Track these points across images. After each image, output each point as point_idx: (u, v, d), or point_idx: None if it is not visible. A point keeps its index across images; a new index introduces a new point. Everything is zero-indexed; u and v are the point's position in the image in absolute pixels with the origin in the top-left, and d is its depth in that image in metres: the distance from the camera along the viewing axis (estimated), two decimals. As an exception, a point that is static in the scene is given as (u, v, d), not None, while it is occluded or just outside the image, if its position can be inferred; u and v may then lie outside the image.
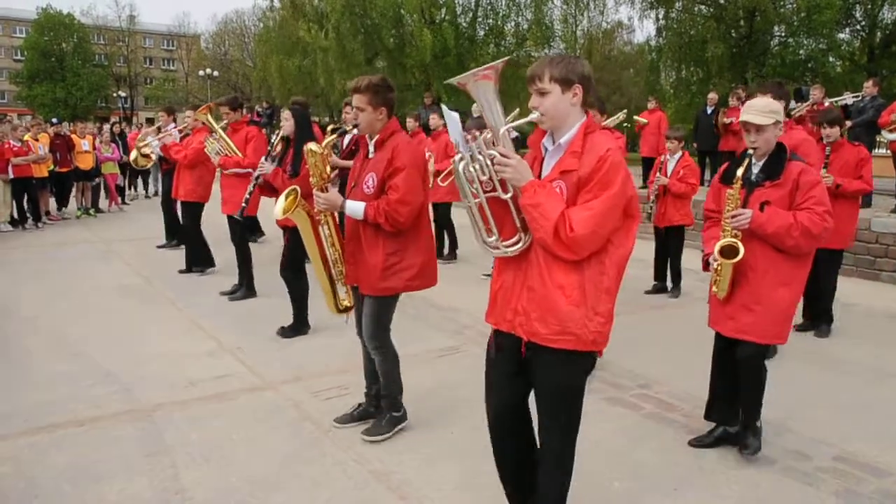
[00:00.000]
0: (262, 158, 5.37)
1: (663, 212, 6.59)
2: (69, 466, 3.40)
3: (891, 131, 8.36)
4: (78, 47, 50.75)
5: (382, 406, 3.74)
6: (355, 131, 3.61)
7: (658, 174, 6.59)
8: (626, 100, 30.22)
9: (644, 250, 8.38)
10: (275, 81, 30.30)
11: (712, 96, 12.41)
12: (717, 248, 3.30)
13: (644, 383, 4.50)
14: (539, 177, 2.34)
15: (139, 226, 11.42)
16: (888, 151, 9.60)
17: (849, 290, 5.70)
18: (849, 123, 8.63)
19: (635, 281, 7.20)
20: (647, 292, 7.00)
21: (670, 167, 6.59)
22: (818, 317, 5.59)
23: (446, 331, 5.68)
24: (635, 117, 12.80)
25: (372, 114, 3.40)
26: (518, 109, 9.74)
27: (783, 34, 23.66)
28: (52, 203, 12.52)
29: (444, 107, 2.49)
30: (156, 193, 14.94)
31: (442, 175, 7.21)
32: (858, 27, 23.08)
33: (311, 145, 3.52)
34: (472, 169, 2.28)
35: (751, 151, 3.32)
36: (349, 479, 3.30)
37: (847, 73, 22.67)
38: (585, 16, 26.80)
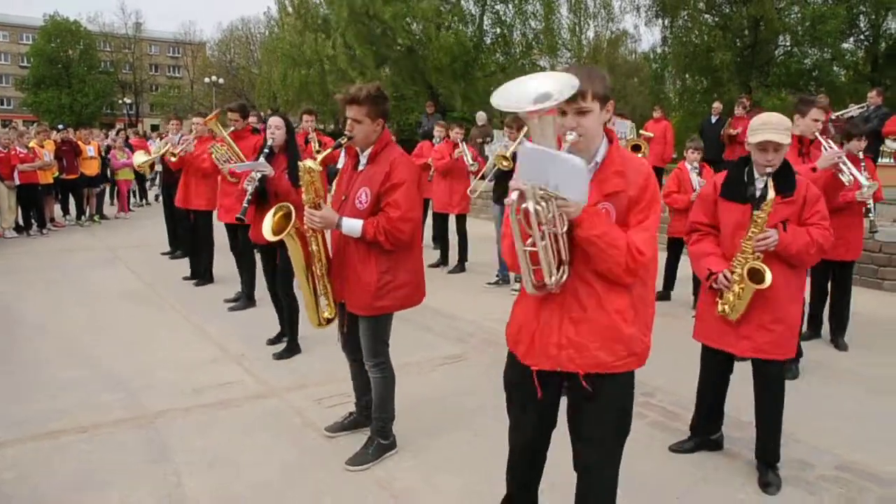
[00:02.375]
0: (261, 160, 5.09)
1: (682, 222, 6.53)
2: (73, 473, 3.41)
3: (894, 141, 8.36)
4: (84, 54, 51.04)
5: (371, 430, 3.61)
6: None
7: (697, 179, 6.51)
8: (630, 108, 30.22)
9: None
10: (279, 90, 30.46)
11: (716, 106, 12.44)
12: (745, 270, 3.19)
13: (648, 391, 4.50)
14: None
15: (143, 232, 11.46)
16: (893, 161, 9.61)
17: (852, 299, 5.68)
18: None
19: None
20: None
21: (693, 178, 6.53)
22: (837, 330, 5.58)
23: (450, 339, 5.69)
24: (641, 131, 12.76)
25: (370, 126, 3.26)
26: (527, 127, 9.73)
27: (788, 44, 23.71)
28: (58, 210, 12.58)
29: (526, 142, 2.00)
30: (156, 198, 15.00)
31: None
32: (862, 37, 23.11)
33: (309, 163, 3.33)
34: (539, 210, 1.99)
35: (769, 171, 3.19)
36: (352, 487, 3.30)
37: (851, 82, 22.71)
38: (591, 25, 26.91)
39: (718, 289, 3.30)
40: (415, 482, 3.36)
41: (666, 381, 4.56)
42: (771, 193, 3.15)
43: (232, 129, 6.52)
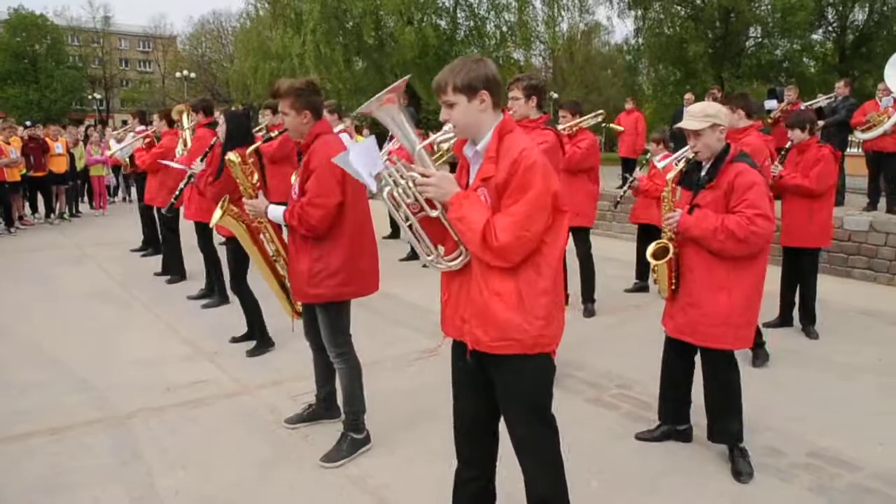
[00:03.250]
0: (198, 159, 5.33)
1: (644, 210, 6.58)
2: (42, 476, 3.35)
3: (863, 131, 8.49)
4: (51, 49, 49.92)
5: (343, 425, 3.62)
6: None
7: (637, 170, 6.55)
8: (603, 99, 30.42)
9: (625, 250, 8.48)
10: (251, 84, 30.11)
11: (688, 97, 12.54)
12: (649, 249, 3.41)
13: (622, 383, 4.53)
14: (467, 185, 2.34)
15: (114, 230, 11.28)
16: (860, 151, 9.76)
17: (822, 287, 5.77)
18: (821, 123, 8.76)
19: (617, 280, 7.26)
20: (628, 290, 7.06)
21: (659, 166, 6.55)
22: (805, 318, 5.67)
23: (425, 332, 5.67)
24: (611, 125, 12.82)
25: (296, 118, 3.36)
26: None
27: (759, 35, 23.98)
28: (27, 207, 12.34)
29: (352, 139, 2.47)
30: (125, 199, 14.81)
31: None
32: (830, 28, 23.45)
33: (230, 155, 3.49)
34: (396, 193, 2.27)
35: (691, 155, 3.38)
36: (326, 484, 3.28)
37: (820, 73, 23.04)
38: (565, 17, 26.91)
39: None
40: (390, 477, 3.35)
41: (640, 371, 4.59)
42: (670, 175, 3.45)
43: (192, 123, 6.54)
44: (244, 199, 3.55)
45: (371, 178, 2.26)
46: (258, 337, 5.18)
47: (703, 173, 3.38)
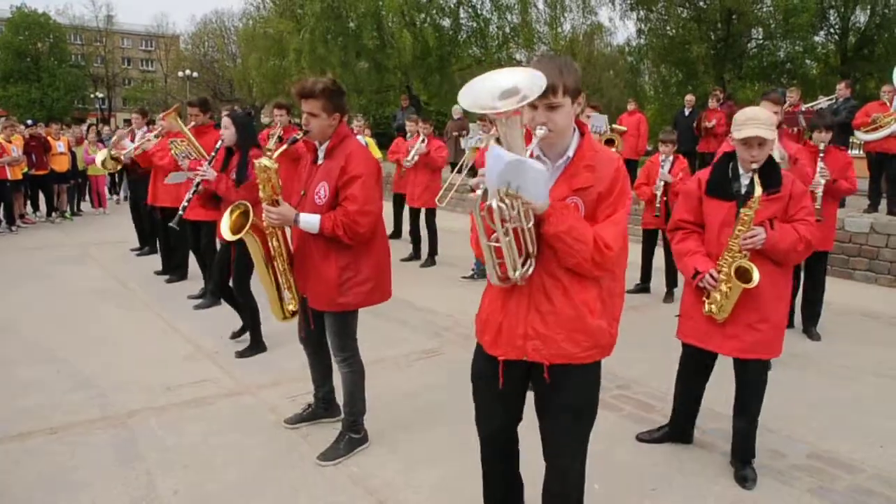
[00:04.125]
0: (205, 164, 5.05)
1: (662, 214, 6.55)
2: (42, 475, 3.35)
3: (867, 132, 8.48)
4: (54, 47, 49.97)
5: (342, 425, 3.62)
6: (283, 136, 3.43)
7: (662, 172, 6.53)
8: (606, 101, 30.35)
9: (631, 252, 8.41)
10: (255, 81, 30.11)
11: (689, 98, 12.54)
12: (732, 269, 3.14)
13: (623, 384, 4.53)
14: None
15: (115, 229, 11.26)
16: (861, 152, 9.76)
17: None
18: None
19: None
20: (629, 291, 7.04)
21: (665, 170, 6.54)
22: (809, 320, 5.66)
23: (426, 333, 5.67)
24: (613, 126, 12.82)
25: (326, 120, 3.22)
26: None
27: (761, 37, 23.97)
28: (28, 206, 12.35)
29: (493, 144, 2.17)
30: (126, 198, 14.80)
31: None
32: (832, 30, 23.43)
33: (264, 161, 3.23)
34: (504, 206, 1.98)
35: (754, 167, 3.12)
36: (327, 484, 3.28)
37: (822, 75, 23.03)
38: (568, 18, 26.90)
39: (704, 288, 3.25)
40: (390, 477, 3.34)
41: (641, 373, 4.59)
42: (758, 190, 3.10)
43: (192, 124, 6.44)
44: (266, 206, 3.27)
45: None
46: (253, 341, 5.14)
47: (744, 182, 3.20)
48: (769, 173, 3.17)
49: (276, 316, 3.70)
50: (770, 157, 3.21)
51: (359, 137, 6.71)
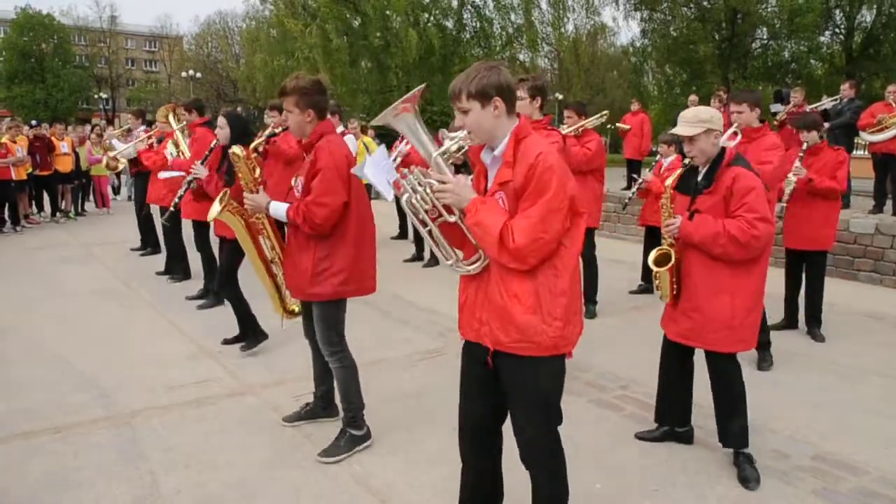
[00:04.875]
0: (198, 163, 5.15)
1: (652, 212, 6.54)
2: (45, 474, 3.36)
3: (872, 133, 8.45)
4: (58, 48, 50.07)
5: (342, 422, 3.65)
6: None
7: (644, 172, 6.52)
8: (609, 101, 30.38)
9: (631, 251, 8.46)
10: (259, 81, 30.10)
11: (693, 98, 12.53)
12: (651, 255, 3.40)
13: (625, 384, 4.52)
14: (485, 190, 2.37)
15: (119, 229, 11.30)
16: (866, 153, 9.72)
17: (827, 290, 5.74)
18: (827, 125, 8.72)
19: (622, 282, 7.25)
20: (632, 292, 7.04)
21: (665, 167, 6.53)
22: (811, 320, 5.64)
23: (430, 333, 5.67)
24: (618, 124, 12.83)
25: (299, 116, 3.36)
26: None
27: (765, 37, 23.93)
28: (33, 206, 12.39)
29: (356, 141, 2.59)
30: (129, 198, 14.84)
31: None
32: (837, 30, 23.38)
33: (235, 148, 3.49)
34: (414, 201, 2.33)
35: (687, 161, 3.39)
36: (330, 483, 3.28)
37: (827, 74, 22.98)
38: (571, 18, 26.92)
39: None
40: (392, 477, 3.34)
41: (643, 373, 4.57)
42: (669, 181, 3.44)
43: (183, 124, 6.49)
44: (244, 194, 3.57)
45: (388, 185, 2.36)
46: (250, 332, 5.17)
47: (699, 178, 3.36)
48: (711, 169, 3.31)
49: (278, 312, 3.79)
50: (720, 153, 3.29)
51: (349, 138, 6.70)
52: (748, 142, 4.55)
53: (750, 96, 4.71)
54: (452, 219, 2.34)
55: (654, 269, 3.38)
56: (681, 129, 3.29)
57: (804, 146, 5.35)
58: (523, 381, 2.38)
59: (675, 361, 3.58)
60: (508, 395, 2.45)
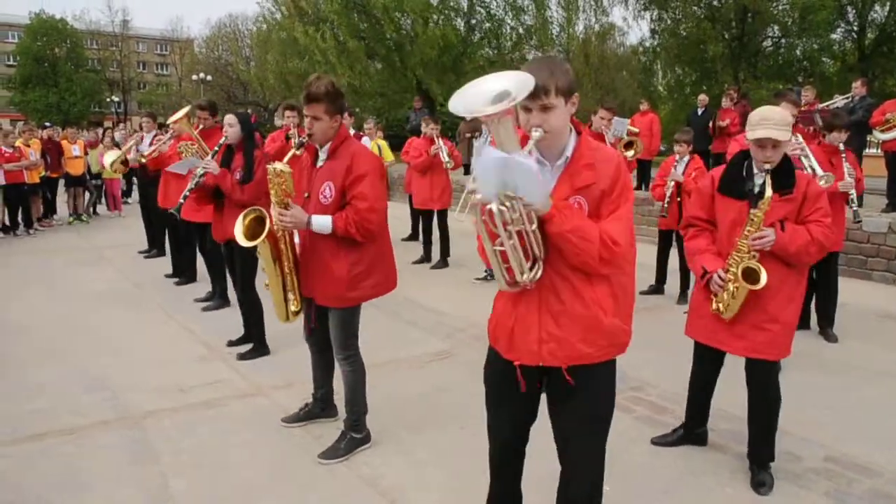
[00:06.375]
0: (209, 157, 5.05)
1: (674, 214, 6.49)
2: (56, 476, 3.38)
3: (883, 131, 8.37)
4: (71, 52, 50.55)
5: (344, 424, 3.65)
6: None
7: (673, 171, 6.47)
8: (619, 101, 30.19)
9: (643, 252, 8.38)
10: (269, 83, 30.21)
11: (702, 98, 12.47)
12: (739, 270, 3.10)
13: (636, 385, 4.49)
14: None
15: (130, 232, 11.34)
16: (879, 151, 9.63)
17: (840, 289, 5.70)
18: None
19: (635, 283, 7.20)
20: (643, 293, 7.00)
21: (679, 170, 6.47)
22: (824, 320, 5.59)
23: (438, 335, 5.66)
24: (629, 128, 12.73)
25: (328, 122, 3.29)
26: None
27: (777, 35, 23.76)
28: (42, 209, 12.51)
29: (483, 147, 2.13)
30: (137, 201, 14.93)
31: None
32: (850, 27, 23.17)
33: (278, 165, 3.24)
34: (505, 210, 1.97)
35: (767, 167, 3.08)
36: (338, 484, 3.28)
37: (840, 72, 22.78)
38: (581, 18, 26.85)
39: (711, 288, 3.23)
40: (401, 478, 3.34)
41: (654, 374, 4.56)
42: (768, 191, 3.05)
43: (201, 127, 6.48)
44: (276, 210, 3.30)
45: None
46: (256, 341, 5.15)
47: (758, 182, 3.15)
48: (783, 173, 3.12)
49: (280, 318, 3.67)
50: (786, 157, 3.16)
51: (365, 140, 6.70)
52: None
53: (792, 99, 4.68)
54: (532, 227, 2.05)
55: (741, 283, 3.09)
56: (775, 133, 3.01)
57: (840, 147, 5.24)
58: (596, 391, 2.29)
59: (711, 372, 3.50)
60: (573, 409, 2.29)
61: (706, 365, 3.52)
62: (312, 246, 3.41)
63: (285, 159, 3.39)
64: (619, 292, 2.24)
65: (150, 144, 8.22)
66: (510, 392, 2.35)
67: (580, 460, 2.34)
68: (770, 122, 3.05)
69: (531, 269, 2.12)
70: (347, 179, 3.27)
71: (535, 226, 2.05)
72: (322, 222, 3.26)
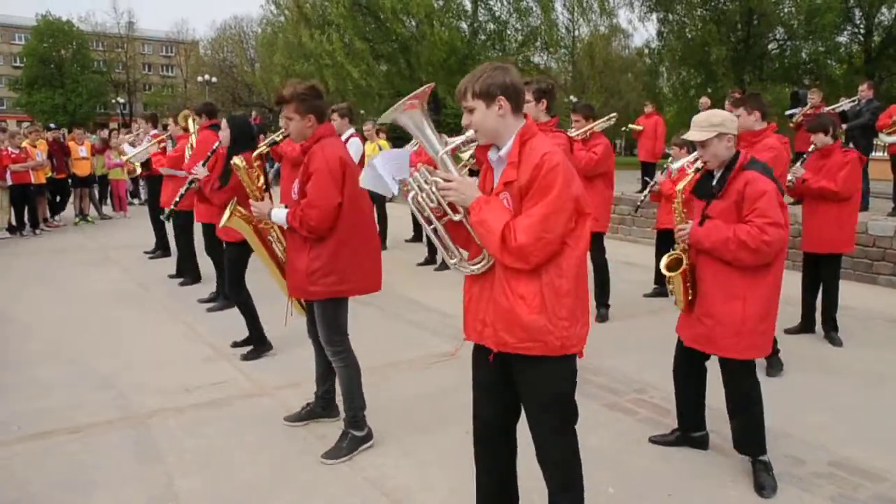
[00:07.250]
0: (200, 164, 5.38)
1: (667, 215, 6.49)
2: (62, 474, 3.39)
3: (889, 134, 8.35)
4: (77, 54, 50.79)
5: (344, 423, 3.67)
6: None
7: (658, 174, 6.49)
8: (624, 103, 30.20)
9: (645, 255, 8.41)
10: (275, 85, 30.27)
11: (704, 101, 12.45)
12: (663, 260, 3.38)
13: (640, 388, 4.49)
14: (491, 189, 2.38)
15: (136, 232, 11.38)
16: (885, 154, 9.60)
17: (846, 293, 5.69)
18: (844, 127, 8.63)
19: (636, 285, 7.21)
20: (647, 295, 7.00)
21: (674, 172, 6.47)
22: (828, 324, 5.57)
23: (444, 336, 5.67)
24: (631, 126, 12.78)
25: (300, 122, 3.44)
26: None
27: (782, 37, 23.72)
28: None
29: (364, 144, 2.59)
30: (144, 202, 15.00)
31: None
32: (856, 29, 23.11)
33: (235, 159, 3.62)
34: (420, 199, 2.36)
35: (699, 165, 3.35)
36: (343, 485, 3.29)
37: (846, 75, 22.72)
38: (586, 20, 26.86)
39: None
40: (406, 479, 3.35)
41: (658, 377, 4.54)
42: (680, 186, 3.42)
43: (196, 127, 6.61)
44: (250, 201, 3.71)
45: (394, 182, 2.35)
46: (255, 341, 5.18)
47: (714, 183, 3.32)
48: (723, 175, 3.28)
49: (298, 312, 3.88)
50: (734, 157, 3.26)
51: (351, 141, 6.70)
52: (748, 146, 4.51)
53: (753, 102, 4.76)
54: (457, 217, 2.36)
55: (667, 273, 3.37)
56: (693, 134, 3.27)
57: (811, 148, 5.36)
58: (535, 381, 2.38)
59: (687, 367, 3.55)
60: (522, 395, 2.45)
61: (679, 357, 3.60)
62: (288, 240, 3.67)
63: (254, 154, 3.77)
64: (548, 292, 2.28)
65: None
66: (485, 370, 2.49)
67: (539, 447, 2.48)
68: (694, 124, 3.28)
69: (479, 258, 2.39)
70: (304, 177, 3.43)
71: (460, 216, 2.35)
72: (279, 215, 3.53)
